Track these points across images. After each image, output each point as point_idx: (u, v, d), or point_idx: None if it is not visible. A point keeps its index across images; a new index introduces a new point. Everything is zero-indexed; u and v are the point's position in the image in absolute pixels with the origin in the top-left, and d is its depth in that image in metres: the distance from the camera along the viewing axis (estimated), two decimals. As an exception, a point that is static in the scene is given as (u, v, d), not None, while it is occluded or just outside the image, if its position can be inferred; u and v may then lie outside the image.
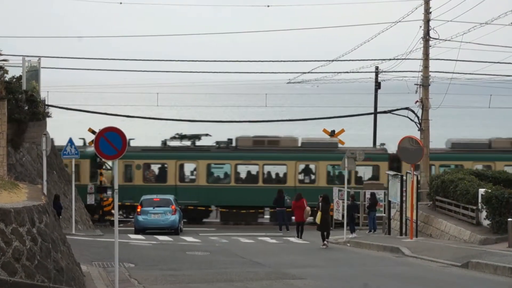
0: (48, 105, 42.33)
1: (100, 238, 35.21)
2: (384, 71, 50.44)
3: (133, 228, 41.60)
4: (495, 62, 46.30)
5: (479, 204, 31.92)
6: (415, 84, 43.76)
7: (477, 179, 34.98)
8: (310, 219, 41.28)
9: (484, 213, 31.61)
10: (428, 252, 27.93)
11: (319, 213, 33.22)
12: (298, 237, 39.40)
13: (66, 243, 18.31)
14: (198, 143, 49.54)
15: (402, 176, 36.33)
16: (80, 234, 35.59)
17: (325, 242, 32.81)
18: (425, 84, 43.51)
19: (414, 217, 33.70)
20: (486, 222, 31.58)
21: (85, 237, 34.73)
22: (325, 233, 33.04)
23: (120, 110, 76.03)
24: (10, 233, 15.36)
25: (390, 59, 47.66)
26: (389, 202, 38.83)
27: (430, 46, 43.32)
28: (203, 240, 36.49)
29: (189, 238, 37.07)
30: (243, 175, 49.73)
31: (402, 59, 45.68)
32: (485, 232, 31.06)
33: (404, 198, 35.82)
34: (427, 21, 43.17)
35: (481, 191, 31.90)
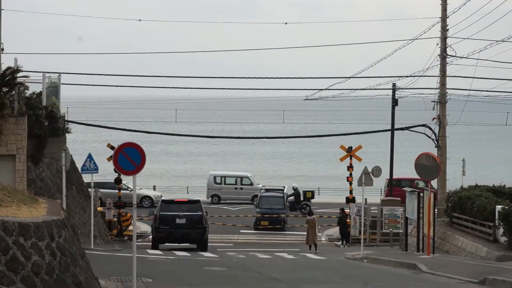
0: (68, 121, 42.65)
1: (119, 253, 35.37)
2: (401, 88, 50.56)
3: (151, 244, 41.56)
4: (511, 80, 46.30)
5: (496, 221, 31.92)
6: (432, 101, 43.84)
7: (494, 195, 34.99)
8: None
9: (501, 230, 31.61)
10: (445, 269, 27.92)
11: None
12: None
13: (85, 257, 18.47)
14: None
15: (419, 192, 36.39)
16: (99, 249, 35.76)
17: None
18: (442, 101, 43.57)
19: (431, 234, 33.71)
20: (503, 239, 31.57)
21: (104, 252, 34.89)
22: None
23: (141, 126, 76.38)
24: (30, 247, 15.54)
25: (407, 76, 47.82)
26: (406, 218, 38.86)
27: (447, 63, 43.41)
28: (221, 255, 36.60)
29: (206, 254, 37.17)
30: None
31: (419, 76, 45.86)
32: (502, 249, 31.04)
33: (421, 215, 35.84)
34: (444, 38, 43.26)
35: (498, 207, 31.90)
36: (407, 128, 48.10)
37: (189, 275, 26.55)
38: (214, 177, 66.77)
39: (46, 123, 37.75)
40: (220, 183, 65.93)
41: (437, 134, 43.86)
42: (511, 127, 61.04)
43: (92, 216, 37.33)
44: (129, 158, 18.87)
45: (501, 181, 40.97)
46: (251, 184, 64.81)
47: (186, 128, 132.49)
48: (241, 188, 65.73)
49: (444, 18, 43.43)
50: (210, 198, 65.44)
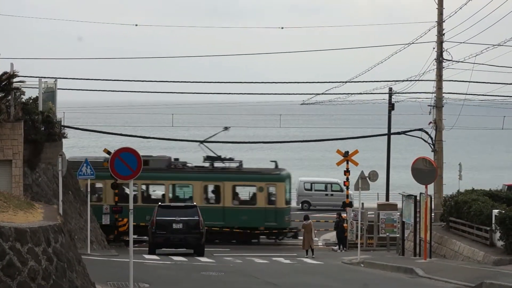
0: (64, 126, 42.62)
1: (115, 258, 35.35)
2: (398, 93, 50.57)
3: (148, 249, 41.49)
4: (508, 84, 46.30)
5: (493, 225, 31.93)
6: (428, 105, 43.82)
7: (491, 200, 35.02)
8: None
9: (497, 234, 31.62)
10: (441, 273, 27.95)
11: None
12: None
13: (82, 263, 18.47)
14: None
15: (415, 197, 36.42)
16: (96, 254, 35.74)
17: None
18: (438, 105, 43.56)
19: (428, 238, 33.72)
20: (499, 243, 31.58)
21: (100, 257, 34.87)
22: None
23: (138, 131, 76.38)
24: (26, 252, 15.55)
25: (403, 81, 47.82)
26: (403, 223, 38.89)
27: (443, 67, 43.39)
28: (218, 260, 36.58)
29: (203, 259, 37.17)
30: None
31: (416, 80, 45.82)
32: (499, 253, 31.05)
33: (418, 219, 35.85)
34: (440, 42, 43.28)
35: (495, 212, 31.92)
36: (403, 133, 48.12)
37: (186, 280, 26.54)
38: (304, 183, 67.05)
39: (43, 128, 37.74)
40: (310, 189, 66.21)
41: (433, 139, 43.85)
42: (508, 131, 61.16)
43: (89, 221, 37.29)
44: (125, 163, 18.91)
45: (498, 185, 41.07)
46: (341, 190, 64.36)
47: (183, 133, 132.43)
48: (331, 195, 65.84)
49: (440, 22, 43.44)
50: (300, 204, 65.51)
